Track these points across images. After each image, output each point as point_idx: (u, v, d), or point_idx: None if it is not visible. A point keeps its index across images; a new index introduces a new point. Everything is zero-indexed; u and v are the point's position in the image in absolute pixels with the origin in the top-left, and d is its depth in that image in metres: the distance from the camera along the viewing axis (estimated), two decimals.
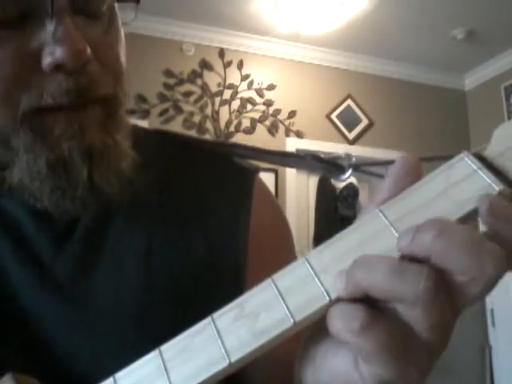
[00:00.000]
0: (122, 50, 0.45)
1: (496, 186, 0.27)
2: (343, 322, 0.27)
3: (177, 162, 0.54)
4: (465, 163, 0.29)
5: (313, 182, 3.58)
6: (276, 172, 3.29)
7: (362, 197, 3.59)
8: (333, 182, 3.46)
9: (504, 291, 3.33)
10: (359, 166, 0.50)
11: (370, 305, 0.27)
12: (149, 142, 0.55)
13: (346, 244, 0.29)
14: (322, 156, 0.53)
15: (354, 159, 0.49)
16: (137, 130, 0.56)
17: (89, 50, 0.39)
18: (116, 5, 0.45)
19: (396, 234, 0.28)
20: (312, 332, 0.32)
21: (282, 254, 0.55)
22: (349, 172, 0.50)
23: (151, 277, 0.46)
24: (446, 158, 0.30)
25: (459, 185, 0.28)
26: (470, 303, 0.27)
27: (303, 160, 0.54)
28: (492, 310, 3.39)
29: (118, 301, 0.45)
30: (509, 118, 3.65)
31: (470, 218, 0.28)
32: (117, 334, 0.44)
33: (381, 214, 0.29)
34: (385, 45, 3.61)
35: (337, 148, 3.62)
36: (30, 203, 0.43)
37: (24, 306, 0.43)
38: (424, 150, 3.80)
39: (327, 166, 0.52)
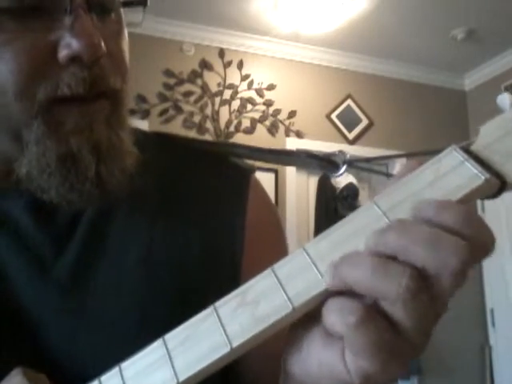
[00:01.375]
0: (127, 48, 0.48)
1: (482, 175, 0.29)
2: (341, 315, 0.28)
3: (175, 162, 0.56)
4: (453, 155, 0.31)
5: (313, 182, 3.58)
6: (276, 172, 3.29)
7: (362, 197, 3.59)
8: (333, 182, 3.46)
9: (504, 291, 3.33)
10: (353, 163, 0.52)
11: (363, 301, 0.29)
12: (148, 143, 0.56)
13: (341, 233, 0.31)
14: (317, 153, 0.55)
15: (347, 156, 0.51)
16: (136, 132, 0.57)
17: (103, 45, 0.41)
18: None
19: (389, 222, 0.30)
20: (300, 321, 0.33)
21: (275, 249, 0.58)
22: (343, 168, 0.52)
23: (152, 272, 0.47)
24: (438, 151, 0.32)
25: (448, 175, 0.30)
26: (447, 297, 0.29)
27: (298, 157, 0.56)
28: (492, 310, 3.40)
29: (120, 297, 0.46)
30: None
31: None
32: (118, 330, 0.45)
33: (374, 205, 0.31)
34: (385, 45, 3.61)
35: (337, 148, 3.62)
36: (36, 196, 0.44)
37: (25, 305, 0.44)
38: (424, 149, 3.80)
39: (322, 163, 0.54)
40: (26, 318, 0.43)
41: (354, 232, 0.30)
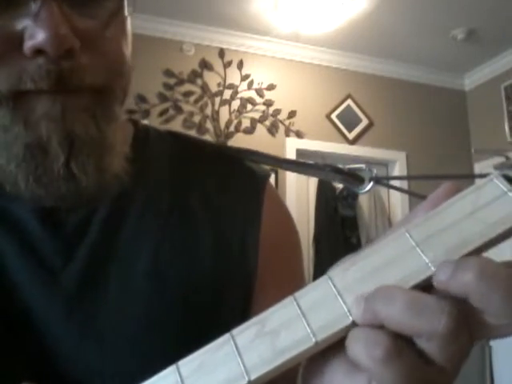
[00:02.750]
0: (121, 44, 0.44)
1: None
2: (366, 348, 0.26)
3: (189, 163, 0.54)
4: (494, 184, 0.28)
5: (313, 182, 3.58)
6: (276, 172, 3.29)
7: (362, 197, 3.59)
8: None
9: None
10: (380, 179, 0.49)
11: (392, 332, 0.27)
12: (162, 143, 0.54)
13: (370, 263, 0.29)
14: (342, 167, 0.53)
15: (375, 172, 0.49)
16: (148, 129, 0.56)
17: (72, 37, 0.38)
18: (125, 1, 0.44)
19: (422, 255, 0.28)
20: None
21: (289, 261, 0.56)
22: (370, 185, 0.49)
23: (161, 281, 0.46)
24: (476, 176, 0.30)
25: (488, 206, 0.28)
26: (496, 338, 0.27)
27: (323, 171, 0.53)
28: None
29: (127, 307, 0.44)
30: (509, 118, 3.65)
31: (499, 240, 0.27)
32: (126, 340, 0.43)
33: (407, 235, 0.29)
34: (385, 45, 3.61)
35: (337, 148, 3.62)
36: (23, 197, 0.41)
37: (32, 313, 0.42)
38: (424, 150, 3.80)
39: (346, 178, 0.52)
40: (33, 326, 0.42)
41: (384, 263, 0.29)
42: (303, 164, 0.59)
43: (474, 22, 3.29)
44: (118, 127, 0.44)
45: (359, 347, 0.27)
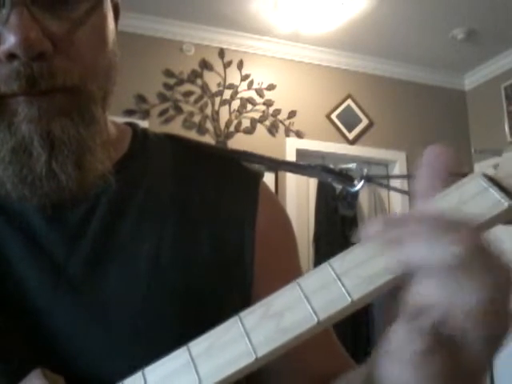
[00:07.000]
0: (98, 43, 0.45)
1: (505, 202, 0.30)
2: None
3: (187, 164, 0.56)
4: (476, 182, 0.32)
5: (313, 181, 3.58)
6: (276, 172, 3.29)
7: (362, 196, 3.59)
8: None
9: None
10: (371, 178, 0.51)
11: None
12: (160, 144, 0.57)
13: (365, 251, 0.32)
14: (333, 167, 0.55)
15: (365, 171, 0.51)
16: (146, 132, 0.58)
17: (43, 40, 0.39)
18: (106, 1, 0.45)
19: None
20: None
21: (285, 258, 0.58)
22: (360, 184, 0.51)
23: (160, 275, 0.47)
24: (459, 174, 0.33)
25: (471, 200, 0.31)
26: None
27: (314, 171, 0.56)
28: None
29: (129, 298, 0.46)
30: (509, 118, 3.65)
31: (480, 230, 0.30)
32: (129, 330, 0.45)
33: None
34: (385, 45, 3.61)
35: (337, 148, 3.62)
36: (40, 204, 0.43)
37: (37, 306, 0.44)
38: (424, 150, 3.79)
39: (338, 177, 0.54)
40: (39, 318, 0.43)
41: (378, 250, 0.31)
42: (296, 165, 0.61)
43: (474, 22, 3.30)
44: (101, 128, 0.45)
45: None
